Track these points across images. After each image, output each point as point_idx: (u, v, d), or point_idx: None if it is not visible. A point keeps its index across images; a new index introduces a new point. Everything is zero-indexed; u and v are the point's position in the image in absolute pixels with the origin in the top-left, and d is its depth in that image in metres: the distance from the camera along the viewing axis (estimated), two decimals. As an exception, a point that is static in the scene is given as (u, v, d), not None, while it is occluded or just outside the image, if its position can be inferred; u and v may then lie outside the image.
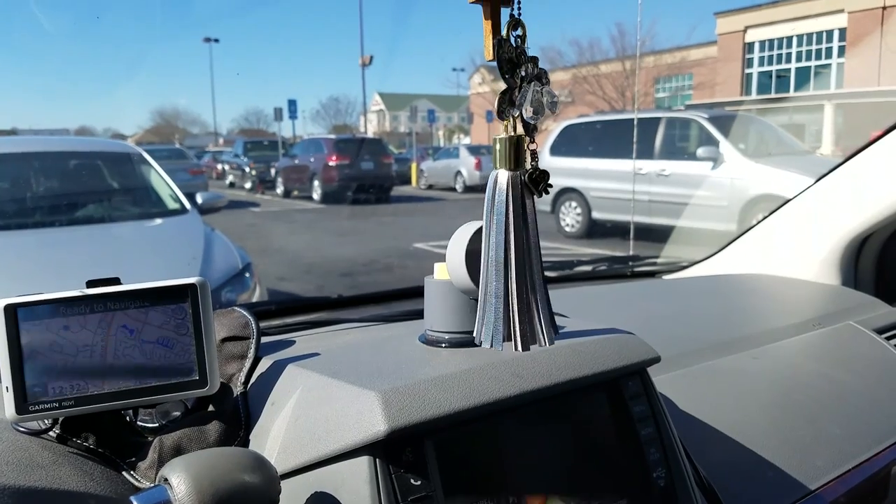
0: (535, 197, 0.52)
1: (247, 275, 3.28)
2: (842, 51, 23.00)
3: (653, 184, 8.22)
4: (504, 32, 0.50)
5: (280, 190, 17.82)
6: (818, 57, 24.04)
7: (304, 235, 10.54)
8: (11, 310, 0.57)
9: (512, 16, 0.50)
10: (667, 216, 7.43)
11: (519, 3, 0.50)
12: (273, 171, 18.62)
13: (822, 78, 23.71)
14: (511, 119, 0.51)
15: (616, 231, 8.99)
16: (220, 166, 23.69)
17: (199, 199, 4.14)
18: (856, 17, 21.07)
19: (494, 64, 0.52)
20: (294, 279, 6.67)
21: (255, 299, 3.18)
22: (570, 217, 9.56)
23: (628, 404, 0.69)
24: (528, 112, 0.50)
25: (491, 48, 0.52)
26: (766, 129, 9.47)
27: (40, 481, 0.53)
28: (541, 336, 0.53)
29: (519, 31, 0.50)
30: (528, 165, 0.52)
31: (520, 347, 0.53)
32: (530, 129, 0.51)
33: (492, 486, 0.59)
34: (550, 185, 0.52)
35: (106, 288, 0.59)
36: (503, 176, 0.52)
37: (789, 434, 0.93)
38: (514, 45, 0.50)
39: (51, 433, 0.62)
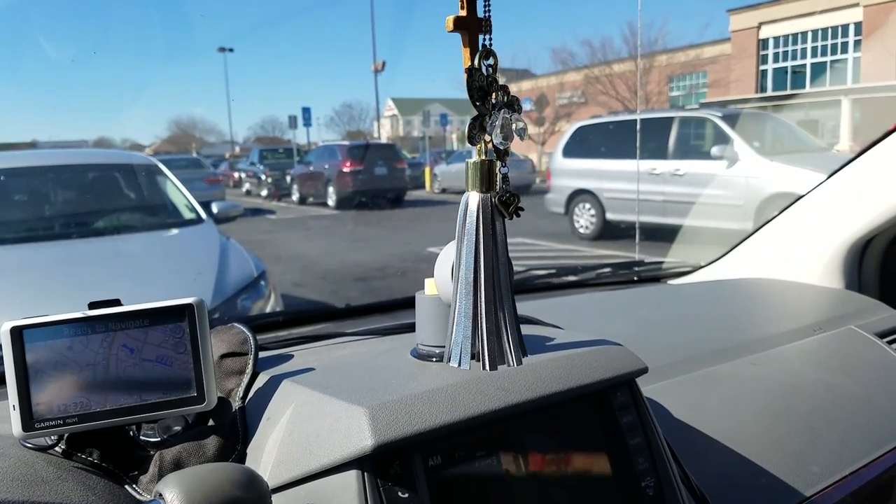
0: (505, 219, 0.54)
1: (262, 283, 3.32)
2: (858, 45, 22.72)
3: (667, 184, 8.18)
4: (476, 62, 0.52)
5: (295, 197, 17.95)
6: (834, 52, 23.76)
7: (320, 241, 10.61)
8: (17, 331, 0.60)
9: (484, 46, 0.52)
10: (682, 216, 7.39)
11: (490, 34, 0.52)
12: (288, 179, 18.77)
13: (838, 73, 23.43)
14: (483, 144, 0.53)
15: (630, 232, 8.96)
16: (236, 174, 23.90)
17: (214, 208, 4.20)
18: (871, 10, 20.80)
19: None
20: (309, 285, 6.72)
21: (269, 306, 3.22)
22: (584, 219, 9.53)
23: (616, 415, 0.71)
24: (497, 138, 0.52)
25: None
26: (781, 127, 9.38)
27: (44, 496, 0.56)
28: (509, 356, 0.55)
29: (490, 61, 0.52)
30: (498, 188, 0.54)
31: (487, 367, 0.55)
32: (501, 154, 0.53)
33: (480, 499, 0.61)
34: (521, 209, 0.54)
35: (107, 309, 0.62)
36: (474, 198, 0.54)
37: (785, 440, 0.94)
38: (486, 73, 0.52)
39: (56, 449, 0.65)
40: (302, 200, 17.64)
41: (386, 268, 7.61)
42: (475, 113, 0.54)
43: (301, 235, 11.52)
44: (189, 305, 0.63)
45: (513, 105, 0.52)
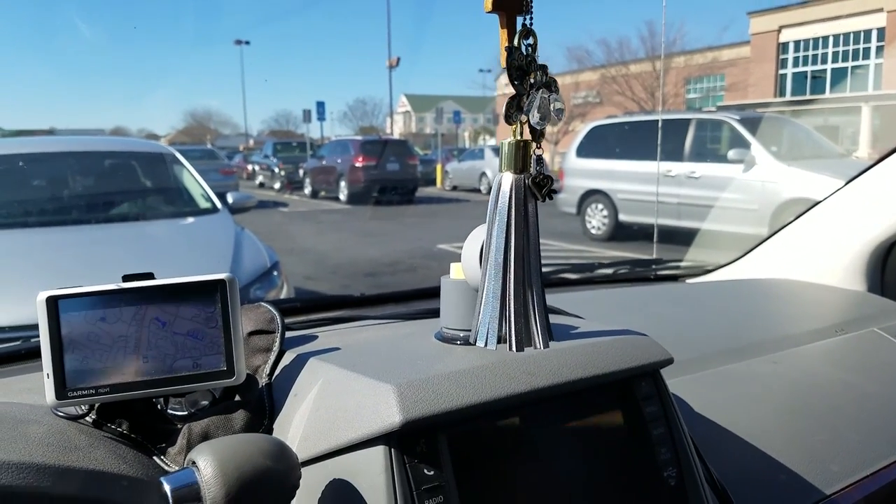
0: (538, 201, 0.54)
1: (275, 273, 3.34)
2: (880, 51, 22.48)
3: (682, 186, 8.12)
4: (515, 41, 0.52)
5: (308, 190, 18.02)
6: (855, 57, 23.53)
7: (331, 235, 10.64)
8: (53, 301, 0.61)
9: (524, 25, 0.53)
10: (696, 219, 7.34)
11: (531, 13, 0.52)
12: (301, 172, 18.85)
13: (860, 79, 23.20)
14: (518, 124, 0.53)
15: (643, 234, 8.91)
16: (250, 167, 24.03)
17: (229, 198, 4.22)
18: (894, 16, 20.57)
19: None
20: (320, 278, 6.75)
21: (282, 297, 3.24)
22: (597, 219, 9.49)
23: (640, 405, 0.71)
24: (534, 118, 0.52)
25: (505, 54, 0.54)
26: (800, 132, 9.30)
27: (77, 462, 0.57)
28: (536, 338, 0.55)
29: (530, 40, 0.52)
30: (532, 170, 0.54)
31: (514, 348, 0.55)
32: (537, 135, 0.53)
33: (503, 481, 0.61)
34: (555, 191, 0.54)
35: (140, 282, 0.63)
36: (507, 179, 0.54)
37: (805, 439, 0.94)
38: (525, 53, 0.52)
39: (87, 418, 0.66)
40: (314, 194, 17.70)
41: (396, 263, 7.63)
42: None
43: (313, 229, 11.57)
44: (221, 281, 0.64)
45: (550, 86, 0.53)
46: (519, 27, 0.54)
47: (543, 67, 0.52)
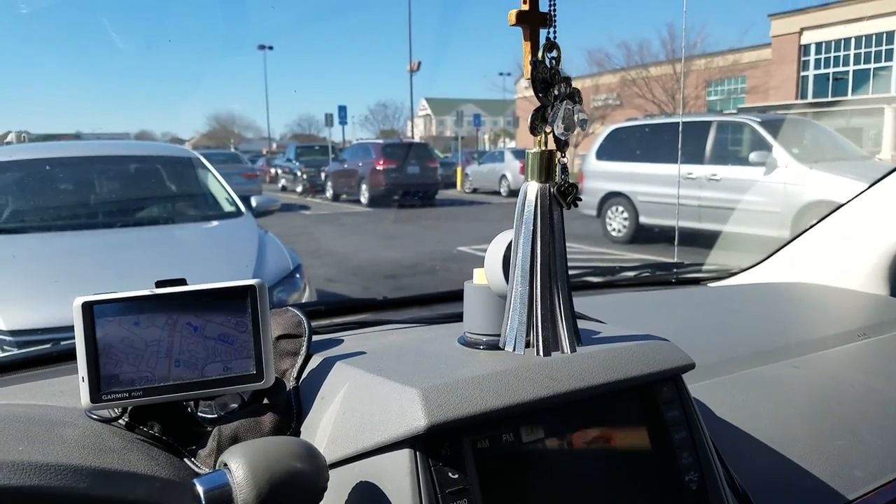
0: (562, 209, 0.55)
1: (297, 276, 3.37)
2: (903, 53, 22.15)
3: (703, 189, 8.06)
4: (539, 54, 0.53)
5: (329, 193, 18.14)
6: (878, 59, 23.19)
7: (352, 238, 10.71)
8: (88, 306, 0.63)
9: (548, 38, 0.54)
10: (717, 222, 7.29)
11: (555, 27, 0.53)
12: (323, 175, 18.97)
13: (882, 80, 22.85)
14: (543, 135, 0.54)
15: (663, 237, 8.86)
16: (273, 170, 24.24)
17: (253, 202, 4.27)
18: (920, 17, 20.26)
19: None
20: (342, 280, 6.80)
21: (304, 300, 3.27)
22: (617, 222, 9.45)
23: (662, 409, 0.71)
24: (559, 128, 0.53)
25: (529, 67, 0.55)
26: (822, 134, 9.19)
27: (112, 463, 0.59)
28: (563, 343, 0.56)
29: (554, 53, 0.54)
30: (557, 178, 0.55)
31: (541, 352, 0.56)
32: (561, 145, 0.54)
33: (525, 485, 0.62)
34: (580, 199, 0.55)
35: (173, 288, 0.65)
36: (532, 188, 0.55)
37: (828, 444, 0.93)
38: (549, 66, 0.54)
39: (120, 421, 0.68)
40: (335, 197, 17.81)
41: (416, 265, 7.65)
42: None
43: (334, 231, 11.65)
44: (252, 287, 0.65)
45: (574, 97, 0.54)
46: (542, 40, 0.55)
47: (567, 79, 0.53)
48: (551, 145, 0.55)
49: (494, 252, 0.65)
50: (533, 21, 0.57)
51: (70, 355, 0.65)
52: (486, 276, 0.68)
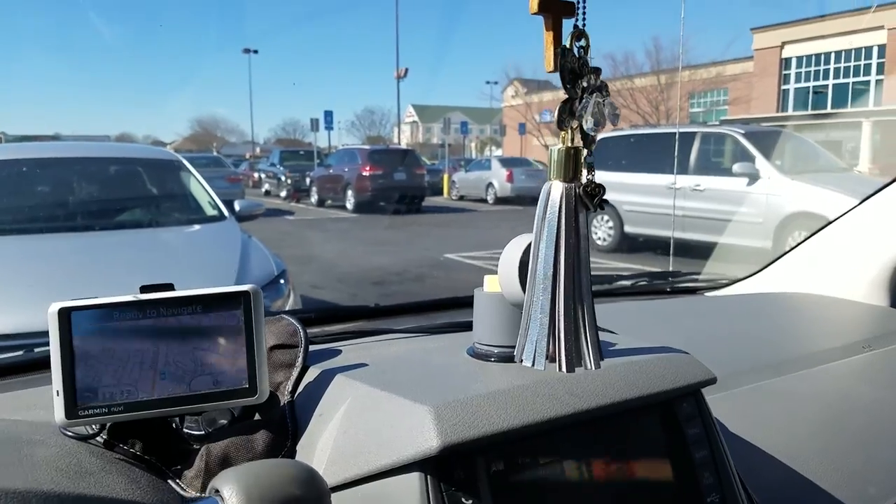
0: (588, 211, 0.51)
1: (282, 281, 3.31)
2: (881, 68, 22.55)
3: (687, 199, 8.12)
4: (567, 43, 0.49)
5: (314, 199, 18.03)
6: (857, 74, 23.61)
7: (337, 244, 10.62)
8: (66, 313, 0.57)
9: (576, 26, 0.49)
10: (700, 232, 7.33)
11: (584, 13, 0.49)
12: (308, 181, 18.86)
13: (861, 95, 23.26)
14: (570, 130, 0.50)
15: (648, 245, 8.90)
16: (256, 175, 24.08)
17: (237, 206, 4.20)
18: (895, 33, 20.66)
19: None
20: (327, 287, 6.72)
21: (288, 306, 3.20)
22: (602, 231, 9.50)
23: (682, 426, 0.67)
24: (588, 123, 0.49)
25: (552, 59, 0.51)
26: (803, 146, 9.31)
27: (89, 489, 0.53)
28: (587, 358, 0.51)
29: (582, 42, 0.49)
30: (584, 178, 0.50)
31: (564, 368, 0.51)
32: (588, 141, 0.50)
33: None
34: (606, 201, 0.50)
35: (159, 293, 0.59)
36: (557, 187, 0.51)
37: (841, 459, 0.90)
38: (578, 55, 0.49)
39: (98, 438, 0.62)
40: (320, 203, 17.71)
41: (404, 272, 7.59)
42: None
43: (319, 237, 11.56)
44: (245, 293, 0.60)
45: (602, 90, 0.49)
46: (567, 29, 0.50)
47: (597, 70, 0.49)
48: (578, 141, 0.50)
49: (510, 257, 0.61)
50: (555, 10, 0.52)
51: (43, 364, 0.59)
52: (499, 282, 0.63)
